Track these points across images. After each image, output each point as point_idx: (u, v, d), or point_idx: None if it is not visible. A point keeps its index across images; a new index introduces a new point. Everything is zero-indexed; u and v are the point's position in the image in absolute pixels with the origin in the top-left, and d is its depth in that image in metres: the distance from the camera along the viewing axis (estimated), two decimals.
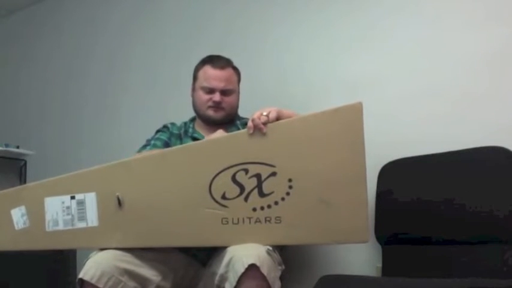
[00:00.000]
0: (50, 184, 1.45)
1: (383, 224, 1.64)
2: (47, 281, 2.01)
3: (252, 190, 1.33)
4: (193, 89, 1.73)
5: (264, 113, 1.33)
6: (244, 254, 1.25)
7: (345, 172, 1.31)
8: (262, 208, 1.32)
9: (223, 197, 1.34)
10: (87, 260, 1.35)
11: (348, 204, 1.31)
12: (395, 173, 1.66)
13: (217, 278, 1.32)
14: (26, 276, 1.94)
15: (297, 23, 2.05)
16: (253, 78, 2.02)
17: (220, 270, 1.30)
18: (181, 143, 1.67)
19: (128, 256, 1.38)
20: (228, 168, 1.34)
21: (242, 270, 1.21)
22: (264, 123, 1.32)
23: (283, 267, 1.39)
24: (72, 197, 1.41)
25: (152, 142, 1.69)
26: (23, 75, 3.07)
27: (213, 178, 1.35)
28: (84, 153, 2.59)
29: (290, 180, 1.32)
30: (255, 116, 1.34)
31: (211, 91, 1.65)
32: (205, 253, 1.54)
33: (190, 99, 1.77)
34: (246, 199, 1.33)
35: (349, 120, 1.32)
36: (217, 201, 1.34)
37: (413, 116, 1.73)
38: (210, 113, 1.66)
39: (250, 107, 1.78)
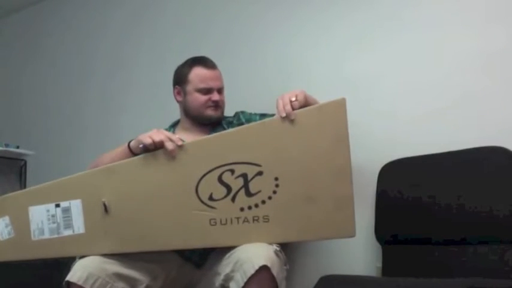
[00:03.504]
0: (34, 193, 1.44)
1: (383, 224, 1.64)
2: (42, 285, 2.01)
3: (239, 190, 1.34)
4: (185, 93, 1.69)
5: (293, 98, 1.34)
6: (254, 255, 1.24)
7: (330, 169, 1.33)
8: (249, 208, 1.33)
9: (211, 198, 1.34)
10: (74, 263, 1.35)
11: (334, 201, 1.32)
12: (395, 173, 1.66)
13: (221, 277, 1.31)
14: (23, 281, 1.92)
15: (299, 22, 2.04)
16: (255, 76, 2.02)
17: (226, 270, 1.29)
18: None
19: (115, 258, 1.37)
20: (214, 169, 1.34)
21: (252, 271, 1.20)
22: (294, 109, 1.33)
23: (288, 267, 1.39)
24: (57, 205, 1.40)
25: None
26: (23, 76, 3.07)
27: (200, 180, 1.35)
28: (85, 154, 2.57)
29: (276, 178, 1.33)
30: (285, 101, 1.33)
31: (208, 91, 1.65)
32: (198, 254, 1.54)
33: None
34: (233, 199, 1.34)
35: (333, 116, 1.34)
36: (204, 203, 1.34)
37: (413, 116, 1.73)
38: (210, 112, 1.66)
39: (251, 106, 1.79)
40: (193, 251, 1.54)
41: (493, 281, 1.22)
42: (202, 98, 1.65)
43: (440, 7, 1.74)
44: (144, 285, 1.39)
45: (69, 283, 1.31)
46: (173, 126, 1.78)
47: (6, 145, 2.46)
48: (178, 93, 1.72)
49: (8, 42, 3.21)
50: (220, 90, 1.67)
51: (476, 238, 1.45)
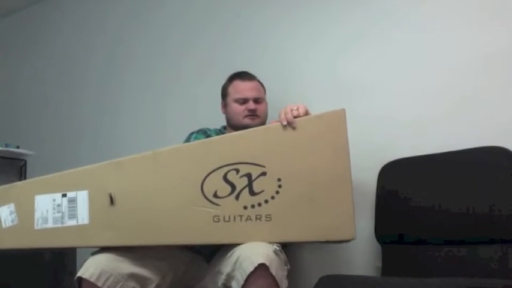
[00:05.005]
0: (41, 182, 1.45)
1: (383, 224, 1.64)
2: (47, 280, 2.01)
3: (243, 189, 1.38)
4: (226, 105, 1.81)
5: (294, 108, 1.43)
6: (253, 253, 1.26)
7: (331, 173, 1.39)
8: (252, 206, 1.37)
9: (215, 195, 1.38)
10: (86, 260, 1.36)
11: (334, 204, 1.38)
12: (395, 173, 1.66)
13: (223, 277, 1.33)
14: (27, 277, 1.93)
15: (296, 24, 2.05)
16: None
17: (227, 269, 1.31)
18: None
19: (127, 256, 1.38)
20: (220, 168, 1.39)
21: (251, 269, 1.22)
22: (295, 117, 1.41)
23: (289, 266, 1.41)
24: (64, 195, 1.41)
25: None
26: (23, 75, 3.07)
27: (205, 177, 1.39)
28: (84, 153, 2.59)
29: (279, 179, 1.38)
30: (287, 110, 1.42)
31: (245, 101, 1.75)
32: (209, 249, 1.56)
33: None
34: (237, 197, 1.38)
35: (333, 125, 1.41)
36: (209, 200, 1.38)
37: (413, 116, 1.73)
38: (248, 121, 1.73)
39: None
40: (204, 246, 1.55)
41: (493, 281, 1.22)
42: (239, 107, 1.75)
43: (439, 8, 1.74)
44: (154, 284, 1.41)
45: (80, 279, 1.32)
46: (225, 129, 1.86)
47: (6, 145, 2.46)
48: (223, 106, 1.84)
49: (7, 43, 3.21)
50: (257, 100, 1.76)
51: (476, 238, 1.45)
